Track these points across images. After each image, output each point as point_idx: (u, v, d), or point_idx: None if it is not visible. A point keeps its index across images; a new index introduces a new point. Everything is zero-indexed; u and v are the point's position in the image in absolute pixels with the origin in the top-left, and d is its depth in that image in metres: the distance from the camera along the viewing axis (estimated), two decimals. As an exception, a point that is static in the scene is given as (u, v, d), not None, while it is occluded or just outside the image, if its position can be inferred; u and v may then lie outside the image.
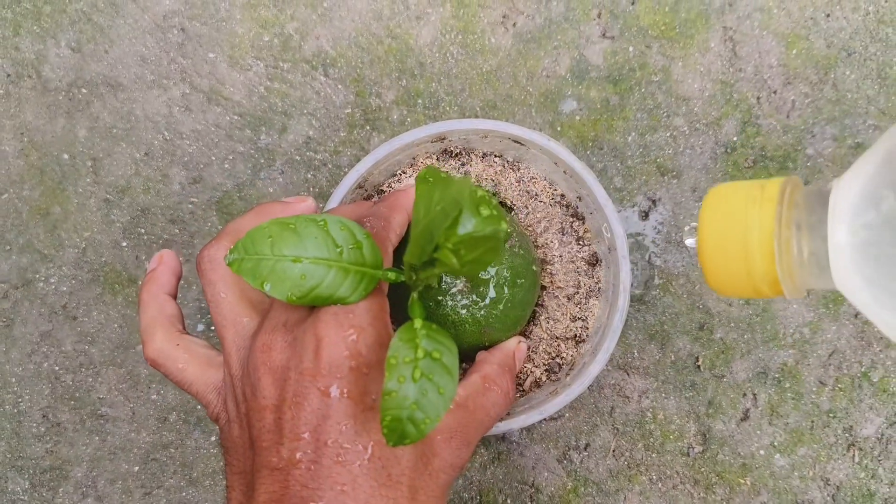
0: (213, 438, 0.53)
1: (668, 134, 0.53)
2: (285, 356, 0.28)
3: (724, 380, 0.52)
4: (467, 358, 0.37)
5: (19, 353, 0.54)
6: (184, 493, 0.53)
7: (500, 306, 0.35)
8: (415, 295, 0.29)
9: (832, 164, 0.52)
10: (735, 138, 0.53)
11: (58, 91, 0.55)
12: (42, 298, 0.54)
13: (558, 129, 0.53)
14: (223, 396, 0.30)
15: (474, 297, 0.34)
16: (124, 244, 0.54)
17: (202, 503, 0.53)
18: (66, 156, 0.55)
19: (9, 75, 0.55)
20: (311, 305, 0.28)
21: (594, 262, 0.42)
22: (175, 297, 0.34)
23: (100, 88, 0.55)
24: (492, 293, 0.35)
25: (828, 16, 0.53)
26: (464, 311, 0.34)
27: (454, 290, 0.34)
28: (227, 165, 0.54)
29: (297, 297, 0.28)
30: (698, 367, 0.52)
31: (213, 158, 0.54)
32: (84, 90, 0.55)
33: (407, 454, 0.28)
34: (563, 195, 0.42)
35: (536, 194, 0.42)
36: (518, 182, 0.42)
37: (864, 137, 0.52)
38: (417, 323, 0.27)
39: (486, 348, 0.37)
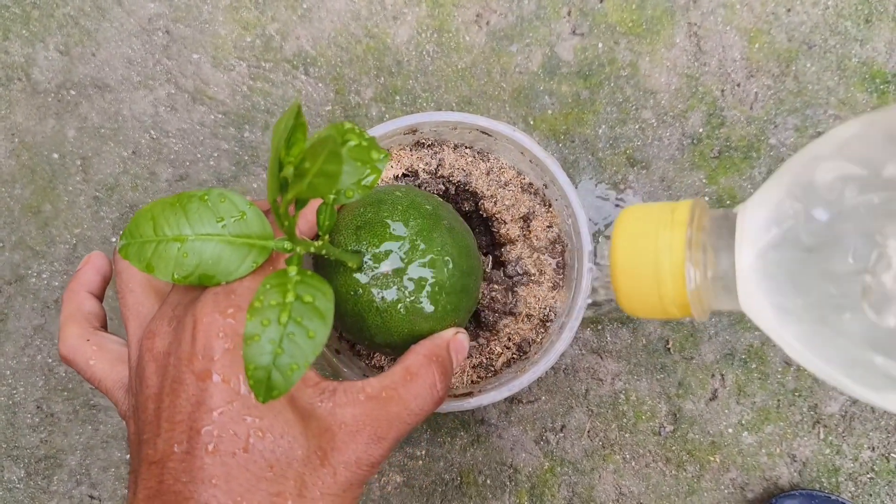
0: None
1: (636, 126, 0.55)
2: (167, 342, 0.27)
3: (693, 361, 0.54)
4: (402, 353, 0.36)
5: (13, 347, 0.56)
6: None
7: (430, 291, 0.32)
8: (298, 250, 0.27)
9: (793, 154, 0.54)
10: (701, 130, 0.55)
11: (47, 93, 0.57)
12: (35, 293, 0.56)
13: (531, 122, 0.55)
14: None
15: (400, 281, 0.32)
16: (113, 240, 0.56)
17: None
18: (55, 155, 0.57)
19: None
20: (202, 285, 0.27)
21: (561, 245, 0.44)
22: (98, 296, 0.32)
23: (88, 90, 0.57)
24: (419, 276, 0.32)
25: (789, 10, 0.55)
26: (389, 297, 0.32)
27: (378, 273, 0.32)
28: (212, 162, 0.56)
29: (182, 277, 0.26)
30: (668, 349, 0.54)
31: (199, 156, 0.56)
32: (73, 92, 0.57)
33: (298, 445, 0.25)
34: (530, 183, 0.44)
35: (506, 183, 0.44)
36: (488, 172, 0.44)
37: (824, 127, 0.55)
38: (292, 270, 0.25)
39: None
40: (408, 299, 0.32)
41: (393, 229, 0.33)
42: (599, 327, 0.54)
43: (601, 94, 0.55)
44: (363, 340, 0.34)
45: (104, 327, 0.31)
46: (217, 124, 0.56)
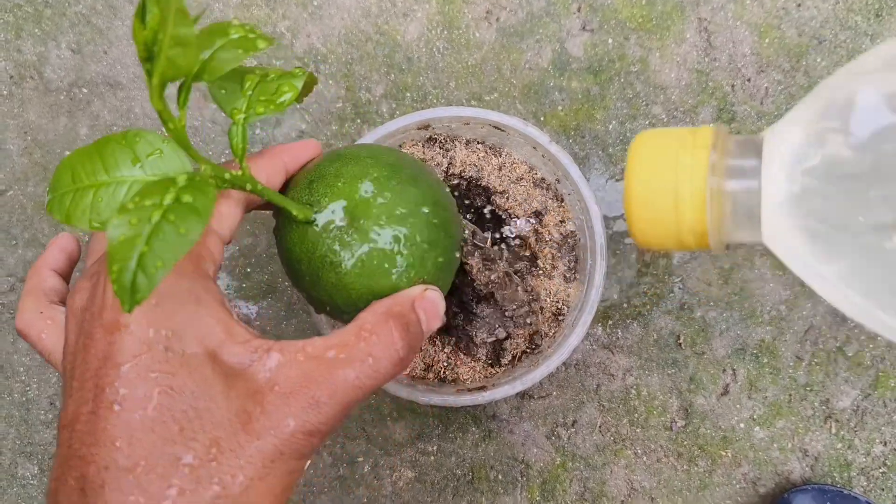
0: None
1: (647, 122, 0.55)
2: (85, 297, 0.25)
3: (705, 356, 0.54)
4: None
5: (26, 344, 0.57)
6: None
7: (390, 244, 0.29)
8: (204, 169, 0.25)
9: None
10: (711, 123, 0.55)
11: (59, 91, 0.57)
12: (47, 291, 0.57)
13: (541, 118, 0.55)
14: None
15: (355, 234, 0.29)
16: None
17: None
18: (67, 153, 0.57)
19: (11, 77, 0.57)
20: None
21: (573, 240, 0.44)
22: (63, 274, 0.31)
23: (100, 88, 0.57)
24: (375, 227, 0.29)
25: (799, 5, 0.55)
26: (343, 252, 0.29)
27: (332, 227, 0.29)
28: (223, 160, 0.56)
29: (100, 224, 0.25)
30: (679, 345, 0.54)
31: (210, 153, 0.56)
32: (84, 90, 0.57)
33: (215, 406, 0.22)
34: (543, 178, 0.44)
35: (518, 178, 0.44)
36: (500, 167, 0.44)
37: (835, 121, 0.55)
38: (181, 177, 0.23)
39: None
40: (364, 253, 0.29)
41: (347, 180, 0.30)
42: (611, 322, 0.54)
43: (611, 89, 0.55)
44: (324, 305, 0.31)
45: (63, 303, 0.29)
46: (228, 121, 0.56)
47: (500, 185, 0.44)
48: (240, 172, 0.26)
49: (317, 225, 0.29)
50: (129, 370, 0.22)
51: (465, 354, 0.44)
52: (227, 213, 0.28)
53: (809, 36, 0.55)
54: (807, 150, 0.21)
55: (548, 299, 0.43)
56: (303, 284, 0.31)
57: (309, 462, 0.26)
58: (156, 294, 0.23)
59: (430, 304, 0.28)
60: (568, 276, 0.43)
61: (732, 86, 0.55)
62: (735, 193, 0.23)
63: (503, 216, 0.44)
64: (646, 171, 0.23)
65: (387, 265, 0.29)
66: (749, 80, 0.55)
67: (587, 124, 0.55)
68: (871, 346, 0.53)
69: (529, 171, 0.44)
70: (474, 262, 0.38)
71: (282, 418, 0.23)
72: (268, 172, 0.29)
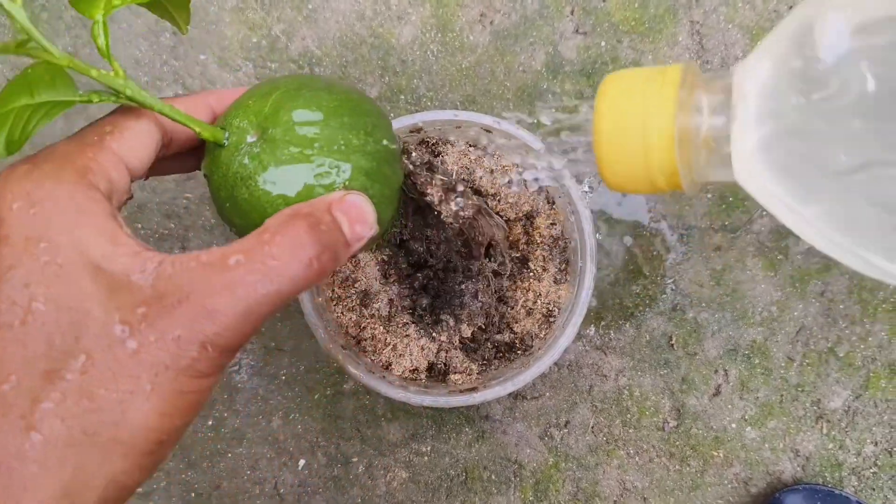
0: (210, 423, 0.56)
1: (639, 124, 0.55)
2: None
3: (697, 357, 0.54)
4: None
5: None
6: (183, 475, 0.56)
7: (302, 153, 0.27)
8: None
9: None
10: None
11: (56, 94, 0.58)
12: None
13: (534, 121, 0.55)
14: None
15: (266, 146, 0.27)
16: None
17: (201, 484, 0.56)
18: (65, 155, 0.57)
19: (9, 79, 0.58)
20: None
21: (564, 242, 0.44)
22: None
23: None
24: (286, 138, 0.27)
25: (790, 7, 0.56)
26: (254, 166, 0.27)
27: (243, 145, 0.28)
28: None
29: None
30: (672, 345, 0.54)
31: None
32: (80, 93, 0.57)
33: (91, 318, 0.21)
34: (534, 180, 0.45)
35: (509, 181, 0.45)
36: (492, 170, 0.45)
37: (826, 124, 0.55)
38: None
39: None
40: (275, 163, 0.27)
41: (256, 98, 0.29)
42: (603, 323, 0.54)
43: (604, 92, 0.56)
44: (246, 229, 0.29)
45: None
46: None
47: (491, 187, 0.44)
48: (123, 84, 0.26)
49: (227, 143, 0.28)
50: (3, 283, 0.21)
51: (457, 351, 0.44)
52: (133, 136, 0.26)
53: (801, 38, 0.55)
54: (777, 84, 0.20)
55: (538, 301, 0.43)
56: (224, 213, 0.30)
57: (216, 385, 0.24)
58: (32, 202, 0.22)
59: (352, 206, 0.26)
60: (559, 278, 0.44)
61: (724, 88, 0.55)
62: (704, 131, 0.22)
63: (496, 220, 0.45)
64: (614, 112, 0.23)
65: (301, 174, 0.27)
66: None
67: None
68: (862, 346, 0.53)
69: (520, 174, 0.45)
70: (436, 192, 0.36)
71: (167, 329, 0.21)
72: (188, 108, 0.28)
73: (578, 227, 0.41)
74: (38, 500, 0.20)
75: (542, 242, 0.44)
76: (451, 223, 0.37)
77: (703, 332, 0.54)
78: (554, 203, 0.44)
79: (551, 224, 0.44)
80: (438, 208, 0.36)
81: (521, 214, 0.44)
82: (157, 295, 0.21)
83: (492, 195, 0.44)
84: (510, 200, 0.44)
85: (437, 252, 0.43)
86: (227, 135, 0.28)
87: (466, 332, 0.43)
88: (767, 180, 0.21)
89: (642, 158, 0.23)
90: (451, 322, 0.43)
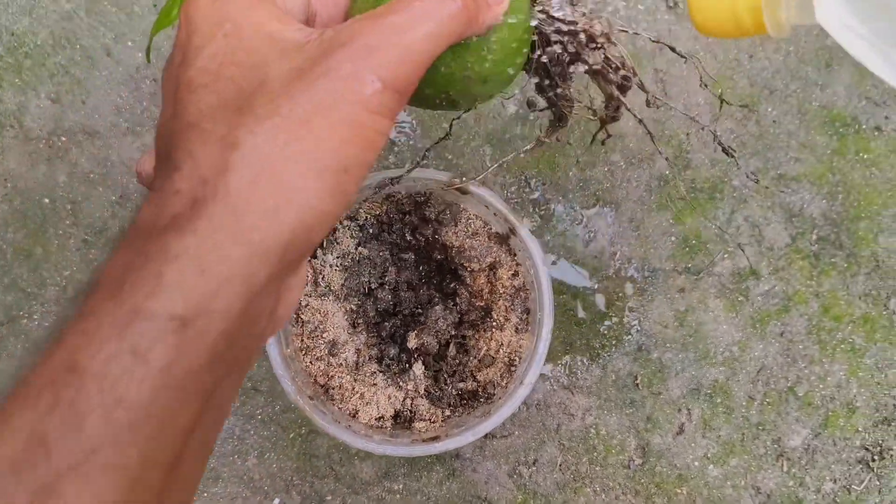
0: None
1: (605, 168, 0.57)
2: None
3: (661, 397, 0.56)
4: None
5: (4, 387, 0.58)
6: None
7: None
8: None
9: (756, 195, 0.57)
10: (667, 171, 0.57)
11: (38, 139, 0.59)
12: (27, 334, 0.58)
13: (504, 165, 0.57)
14: None
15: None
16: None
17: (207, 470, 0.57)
18: (46, 200, 0.59)
19: None
20: None
21: (525, 293, 0.46)
22: None
23: (78, 136, 0.59)
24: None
25: (751, 57, 0.57)
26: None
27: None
28: None
29: None
30: (637, 385, 0.56)
31: None
32: (63, 138, 0.59)
33: (272, 70, 0.24)
34: (497, 233, 0.46)
35: (474, 233, 0.46)
36: (457, 223, 0.46)
37: (785, 169, 0.57)
38: None
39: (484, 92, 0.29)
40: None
41: None
42: (571, 364, 0.56)
43: (571, 138, 0.57)
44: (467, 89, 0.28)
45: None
46: (202, 169, 0.58)
47: (457, 240, 0.46)
48: None
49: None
50: (196, 60, 0.24)
51: (423, 399, 0.46)
52: None
53: (761, 86, 0.57)
54: None
55: (500, 350, 0.45)
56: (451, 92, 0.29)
57: (388, 133, 0.25)
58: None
59: None
60: (520, 327, 0.45)
61: (687, 134, 0.57)
62: None
63: (460, 271, 0.46)
64: None
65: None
66: (703, 128, 0.57)
67: (548, 171, 0.57)
68: (820, 386, 0.55)
69: (484, 227, 0.46)
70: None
71: (336, 66, 0.23)
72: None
73: (537, 280, 0.43)
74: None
75: (504, 293, 0.46)
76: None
77: (667, 371, 0.56)
78: (516, 255, 0.46)
79: (513, 275, 0.46)
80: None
81: (484, 266, 0.46)
82: (323, 49, 0.24)
83: (457, 247, 0.46)
84: (475, 252, 0.46)
85: (407, 296, 0.45)
86: None
87: (433, 346, 0.44)
88: (849, 19, 0.22)
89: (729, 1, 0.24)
90: (413, 340, 0.44)
